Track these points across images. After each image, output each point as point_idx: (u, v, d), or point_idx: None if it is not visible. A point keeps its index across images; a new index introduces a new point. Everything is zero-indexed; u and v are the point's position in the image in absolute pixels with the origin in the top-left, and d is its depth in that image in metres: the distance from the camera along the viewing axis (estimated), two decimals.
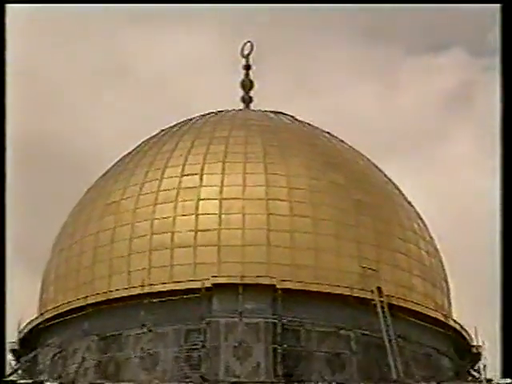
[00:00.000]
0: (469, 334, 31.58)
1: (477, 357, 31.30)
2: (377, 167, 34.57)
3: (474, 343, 31.52)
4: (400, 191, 34.20)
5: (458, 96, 63.19)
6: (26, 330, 31.68)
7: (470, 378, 30.98)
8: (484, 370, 30.94)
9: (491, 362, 30.58)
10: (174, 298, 28.82)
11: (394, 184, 34.16)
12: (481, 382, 30.19)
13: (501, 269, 32.84)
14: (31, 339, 31.62)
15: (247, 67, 35.32)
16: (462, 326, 31.67)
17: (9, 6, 35.46)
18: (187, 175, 31.15)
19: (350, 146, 34.69)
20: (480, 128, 57.93)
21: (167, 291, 28.94)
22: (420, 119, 59.38)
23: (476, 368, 31.20)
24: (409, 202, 34.02)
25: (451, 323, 31.35)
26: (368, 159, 34.46)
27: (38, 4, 39.99)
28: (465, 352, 31.58)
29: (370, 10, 55.39)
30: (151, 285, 29.24)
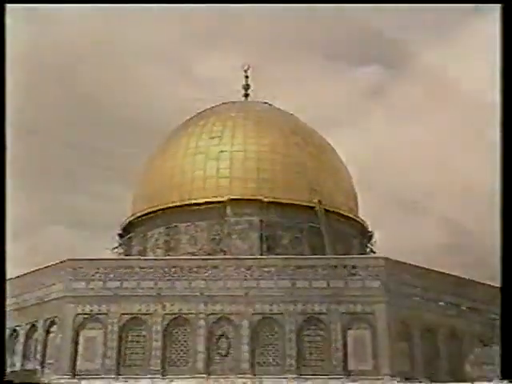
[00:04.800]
0: (367, 225, 40.96)
1: (371, 237, 40.96)
2: (319, 134, 42.78)
3: (370, 230, 41.24)
4: (332, 147, 42.46)
5: (374, 91, 78.34)
6: (125, 223, 40.79)
7: (366, 249, 40.82)
8: (374, 244, 41.16)
9: (378, 241, 41.00)
10: (206, 206, 37.39)
11: (329, 144, 42.51)
12: (372, 250, 40.57)
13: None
14: (128, 228, 40.78)
15: (246, 77, 43.86)
16: (363, 221, 41.23)
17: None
18: (212, 138, 39.69)
19: (305, 122, 42.70)
20: (388, 111, 74.39)
21: (202, 202, 37.66)
22: (350, 105, 74.10)
23: (370, 243, 41.20)
24: (336, 153, 42.28)
25: (358, 220, 40.77)
26: (315, 130, 42.69)
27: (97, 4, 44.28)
28: (365, 235, 40.92)
29: (326, 39, 69.37)
30: (193, 199, 38.00)
